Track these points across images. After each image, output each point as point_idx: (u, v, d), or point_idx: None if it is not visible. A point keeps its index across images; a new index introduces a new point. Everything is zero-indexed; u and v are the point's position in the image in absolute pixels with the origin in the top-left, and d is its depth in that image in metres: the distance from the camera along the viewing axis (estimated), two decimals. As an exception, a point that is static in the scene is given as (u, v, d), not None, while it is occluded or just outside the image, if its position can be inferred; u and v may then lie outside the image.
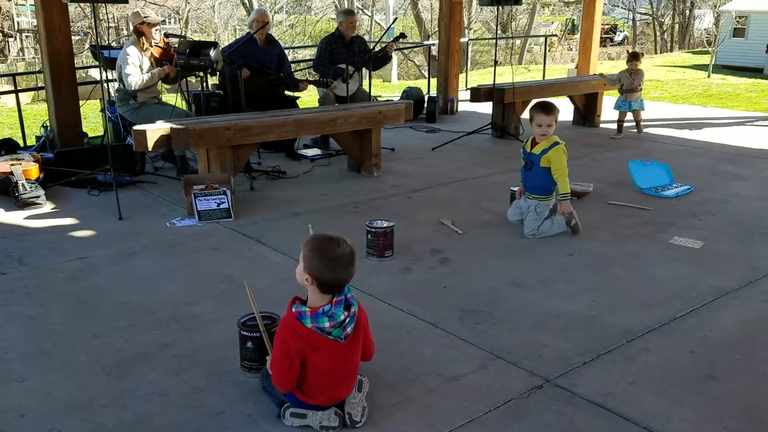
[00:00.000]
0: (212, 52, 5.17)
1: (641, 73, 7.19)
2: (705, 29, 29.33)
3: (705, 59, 22.55)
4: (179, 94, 5.83)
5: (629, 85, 7.15)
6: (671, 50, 33.13)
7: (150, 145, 4.46)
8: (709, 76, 19.58)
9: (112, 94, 5.98)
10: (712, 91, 15.59)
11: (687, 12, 34.13)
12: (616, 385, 2.49)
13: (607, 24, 34.94)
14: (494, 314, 3.07)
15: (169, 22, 30.33)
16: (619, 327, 2.93)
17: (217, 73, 5.71)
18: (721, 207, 4.69)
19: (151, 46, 5.47)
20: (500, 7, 7.40)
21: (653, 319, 2.99)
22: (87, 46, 21.08)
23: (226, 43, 6.99)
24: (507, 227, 4.27)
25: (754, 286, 3.37)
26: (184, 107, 5.94)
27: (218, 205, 4.39)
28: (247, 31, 6.38)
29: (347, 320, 2.15)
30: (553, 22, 36.89)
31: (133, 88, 5.29)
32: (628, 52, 7.98)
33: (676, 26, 35.05)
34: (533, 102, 4.30)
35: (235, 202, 4.51)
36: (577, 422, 2.28)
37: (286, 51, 7.43)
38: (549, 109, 3.99)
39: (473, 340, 2.83)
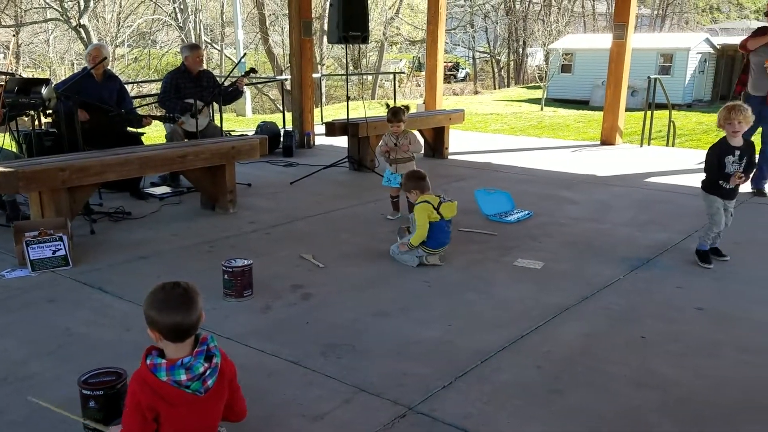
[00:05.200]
0: (44, 90, 4.83)
1: (410, 135, 5.32)
2: (537, 66, 32.08)
3: (538, 93, 24.64)
4: (8, 134, 5.35)
5: (396, 153, 5.27)
6: (508, 86, 35.90)
7: (-28, 190, 4.03)
8: (542, 109, 21.41)
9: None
10: (546, 122, 17.02)
11: (520, 50, 37.22)
12: (472, 406, 2.57)
13: (450, 62, 37.17)
14: (357, 347, 3.07)
15: (-3, 57, 27.93)
16: (473, 349, 3.05)
17: (51, 111, 5.32)
18: (557, 229, 5.08)
19: (-25, 86, 4.99)
20: (350, 45, 7.60)
21: (503, 339, 3.15)
22: None
23: (62, 79, 6.57)
24: (367, 258, 4.32)
25: (590, 301, 3.66)
26: (14, 148, 5.46)
27: (54, 252, 4.04)
28: (84, 66, 6.04)
29: (207, 372, 2.02)
30: (401, 60, 38.60)
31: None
32: (387, 106, 5.62)
33: (512, 63, 38.08)
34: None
35: (73, 248, 4.18)
36: (438, 448, 2.33)
37: (130, 86, 7.10)
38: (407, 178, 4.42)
39: (337, 375, 2.81)
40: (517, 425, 2.45)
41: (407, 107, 5.50)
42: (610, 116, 9.25)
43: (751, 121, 4.05)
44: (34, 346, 3.05)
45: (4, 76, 5.44)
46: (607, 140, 9.35)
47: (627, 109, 9.71)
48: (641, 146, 9.47)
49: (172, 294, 1.98)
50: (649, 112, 9.52)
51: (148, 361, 2.00)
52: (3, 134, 5.39)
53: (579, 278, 4.00)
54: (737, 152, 4.09)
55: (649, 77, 9.88)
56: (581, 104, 23.52)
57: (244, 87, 7.02)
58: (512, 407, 2.57)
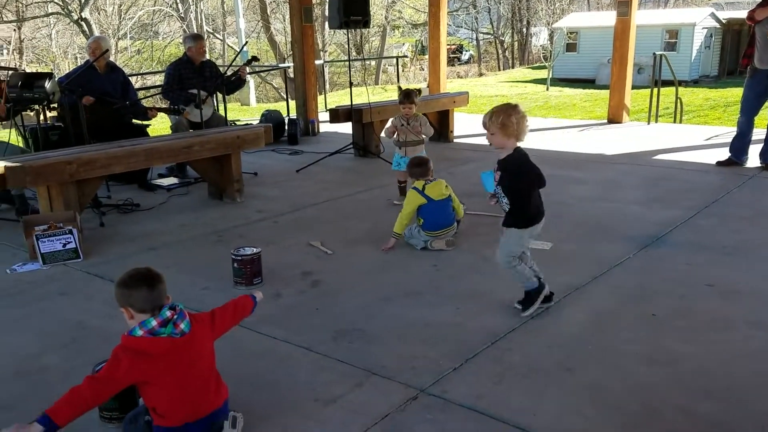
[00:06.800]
0: (48, 84, 4.83)
1: (420, 119, 5.30)
2: (541, 46, 31.80)
3: (543, 73, 24.43)
4: (14, 129, 5.37)
5: (407, 135, 5.23)
6: (513, 67, 35.63)
7: (-19, 186, 4.06)
8: (547, 89, 21.24)
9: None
10: (552, 102, 16.90)
11: (524, 30, 36.89)
12: (484, 387, 2.58)
13: (454, 44, 36.90)
14: (367, 331, 3.08)
15: (1, 53, 27.94)
16: (484, 330, 3.05)
17: (56, 104, 5.33)
18: (565, 209, 5.06)
19: (-21, 82, 5.02)
20: (352, 30, 7.56)
21: (513, 320, 3.15)
22: None
23: (66, 73, 6.59)
24: (375, 244, 4.32)
25: (599, 280, 3.65)
26: (21, 143, 5.49)
27: (64, 245, 4.06)
28: (86, 59, 6.04)
29: (175, 317, 2.12)
30: (404, 44, 38.34)
31: (-44, 128, 4.82)
32: (400, 88, 5.60)
33: (516, 44, 37.76)
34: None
35: (83, 241, 4.20)
36: (450, 428, 2.33)
37: (134, 78, 7.11)
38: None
39: (348, 359, 2.82)
40: (529, 404, 2.46)
41: (419, 90, 5.48)
42: (617, 94, 9.18)
43: (506, 131, 3.07)
44: (48, 339, 3.08)
45: (7, 71, 5.45)
46: (614, 118, 9.29)
47: (633, 87, 9.64)
48: (648, 124, 9.40)
49: (136, 272, 2.15)
50: (655, 89, 9.44)
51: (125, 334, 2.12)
52: (9, 129, 5.41)
53: (588, 258, 3.99)
54: (495, 166, 3.22)
55: (654, 54, 9.78)
56: (587, 83, 23.32)
57: (247, 76, 7.00)
58: (524, 387, 2.58)
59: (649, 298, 3.39)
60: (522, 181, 3.10)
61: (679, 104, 10.48)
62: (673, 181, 5.89)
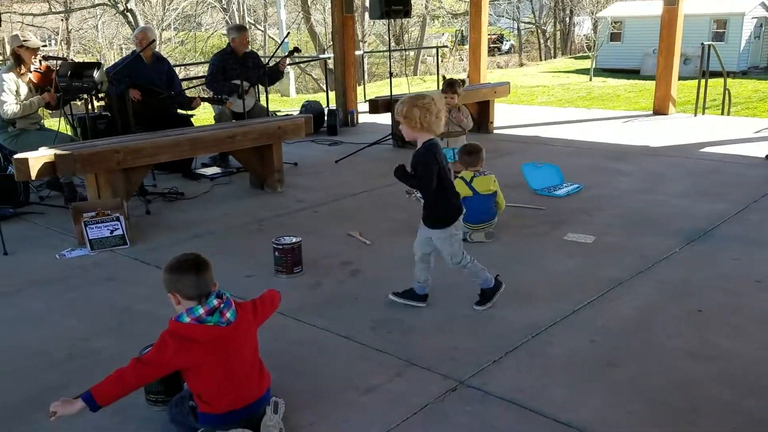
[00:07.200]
0: (96, 73, 4.95)
1: (463, 110, 5.22)
2: (585, 35, 31.14)
3: (586, 63, 23.94)
4: (63, 118, 5.52)
5: (449, 125, 4.98)
6: (555, 57, 35.00)
7: (33, 173, 4.19)
8: (590, 80, 20.81)
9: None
10: (595, 93, 16.56)
11: (567, 19, 36.20)
12: (524, 380, 2.57)
13: (494, 34, 36.42)
14: (406, 321, 3.09)
15: (50, 44, 28.70)
16: (524, 323, 3.03)
17: (103, 94, 5.47)
18: (608, 202, 4.97)
19: (30, 72, 5.17)
20: (392, 20, 7.54)
21: (554, 313, 3.12)
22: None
23: (112, 63, 6.74)
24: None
25: (644, 275, 3.58)
26: (69, 132, 5.65)
27: (111, 232, 4.17)
28: (133, 49, 6.17)
29: (222, 306, 2.15)
30: (443, 34, 38.01)
31: (8, 117, 4.97)
32: (444, 78, 5.53)
33: (558, 33, 37.08)
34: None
35: (130, 228, 4.31)
36: (490, 420, 2.33)
37: (178, 68, 7.23)
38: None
39: (387, 349, 2.84)
40: (570, 399, 2.44)
41: (463, 81, 5.42)
42: (663, 85, 8.96)
43: (410, 123, 2.91)
44: (97, 323, 3.18)
45: (56, 61, 5.60)
46: (659, 110, 9.07)
47: (680, 78, 9.38)
48: (695, 115, 9.15)
49: (184, 258, 2.18)
50: (702, 80, 9.17)
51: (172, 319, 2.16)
52: (58, 118, 5.57)
53: (633, 251, 3.91)
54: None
55: (702, 44, 9.50)
56: (632, 74, 22.78)
57: (287, 67, 7.05)
58: (565, 381, 2.56)
59: (695, 293, 3.32)
60: (424, 181, 2.97)
61: (727, 96, 10.18)
62: (720, 174, 5.73)
